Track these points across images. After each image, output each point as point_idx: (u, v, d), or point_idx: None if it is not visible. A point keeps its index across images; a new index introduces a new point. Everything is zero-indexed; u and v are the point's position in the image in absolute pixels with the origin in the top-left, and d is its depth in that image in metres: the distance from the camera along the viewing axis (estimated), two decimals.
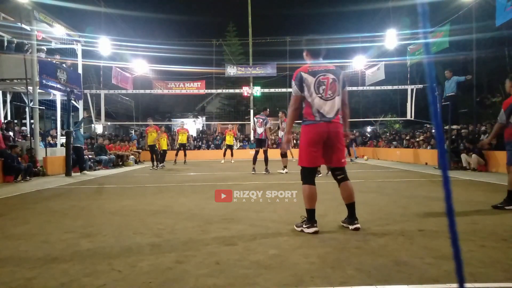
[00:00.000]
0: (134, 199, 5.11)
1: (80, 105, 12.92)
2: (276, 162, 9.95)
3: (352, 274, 2.04)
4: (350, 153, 13.16)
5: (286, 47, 21.59)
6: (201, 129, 28.28)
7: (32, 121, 10.26)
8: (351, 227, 3.04)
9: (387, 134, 19.68)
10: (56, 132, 12.50)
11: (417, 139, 13.80)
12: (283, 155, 8.97)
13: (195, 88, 21.17)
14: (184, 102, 32.48)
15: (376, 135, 20.81)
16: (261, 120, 8.88)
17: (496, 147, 9.00)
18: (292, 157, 12.96)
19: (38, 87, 10.12)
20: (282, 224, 3.34)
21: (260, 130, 8.87)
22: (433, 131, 10.74)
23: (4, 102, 12.21)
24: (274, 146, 15.45)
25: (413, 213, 3.75)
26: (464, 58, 16.92)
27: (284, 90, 19.44)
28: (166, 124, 22.11)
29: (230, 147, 14.38)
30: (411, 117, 11.70)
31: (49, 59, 11.84)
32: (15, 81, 10.69)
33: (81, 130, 9.29)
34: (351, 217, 3.09)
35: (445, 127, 9.68)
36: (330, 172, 3.29)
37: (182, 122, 17.19)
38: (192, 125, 29.51)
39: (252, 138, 18.40)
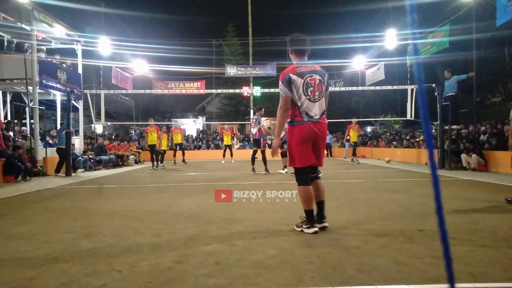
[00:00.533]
0: (134, 199, 5.11)
1: (80, 105, 12.93)
2: (276, 162, 9.94)
3: (352, 274, 2.04)
4: (354, 153, 13.17)
5: (286, 47, 21.57)
6: (201, 129, 28.27)
7: (32, 121, 10.27)
8: (319, 225, 3.01)
9: (387, 134, 19.67)
10: (56, 132, 12.51)
11: (417, 139, 13.80)
12: (283, 154, 8.97)
13: (195, 88, 21.19)
14: (184, 102, 32.47)
15: (376, 135, 20.81)
16: (254, 120, 8.97)
17: (496, 147, 9.01)
18: None
19: (38, 87, 10.12)
20: (282, 224, 3.33)
21: (254, 130, 8.93)
22: (433, 131, 10.72)
23: (4, 102, 12.22)
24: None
25: (413, 213, 3.75)
26: (464, 58, 16.91)
27: None
28: (167, 124, 22.07)
29: (229, 147, 14.41)
30: (411, 117, 11.70)
31: (49, 59, 11.84)
32: (15, 81, 10.71)
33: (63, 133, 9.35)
34: (320, 215, 3.08)
35: (445, 127, 9.69)
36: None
37: (176, 122, 17.18)
38: (192, 125, 29.53)
39: (252, 138, 18.39)
